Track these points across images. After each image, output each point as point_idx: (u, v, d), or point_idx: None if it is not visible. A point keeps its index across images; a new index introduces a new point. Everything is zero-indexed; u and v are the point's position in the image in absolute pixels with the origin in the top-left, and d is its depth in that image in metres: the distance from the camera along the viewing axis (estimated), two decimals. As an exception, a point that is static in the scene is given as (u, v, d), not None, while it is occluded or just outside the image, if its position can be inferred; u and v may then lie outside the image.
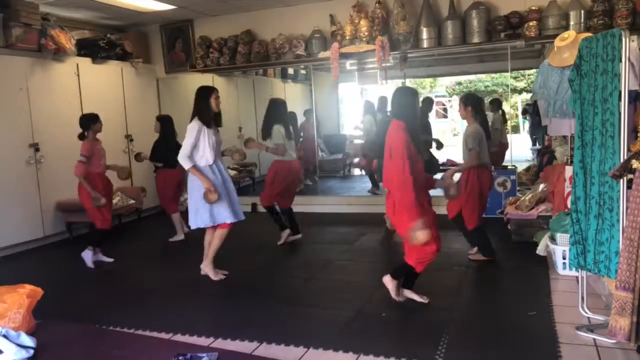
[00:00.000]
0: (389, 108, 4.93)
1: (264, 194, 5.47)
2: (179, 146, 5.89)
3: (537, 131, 9.27)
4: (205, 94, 4.33)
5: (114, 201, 6.05)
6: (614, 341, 2.85)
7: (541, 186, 5.43)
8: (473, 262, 4.58)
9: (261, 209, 7.14)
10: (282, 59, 7.00)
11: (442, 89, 13.79)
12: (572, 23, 5.61)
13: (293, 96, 9.08)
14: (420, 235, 3.29)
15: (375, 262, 4.92)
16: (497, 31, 5.93)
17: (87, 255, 5.11)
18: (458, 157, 4.69)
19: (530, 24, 5.76)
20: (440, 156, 7.10)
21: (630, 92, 2.87)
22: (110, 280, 4.73)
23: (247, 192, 8.48)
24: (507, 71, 6.85)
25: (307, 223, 6.17)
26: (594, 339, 2.97)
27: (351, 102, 10.00)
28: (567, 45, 3.57)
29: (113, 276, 4.86)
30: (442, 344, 3.01)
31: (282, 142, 5.22)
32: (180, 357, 2.78)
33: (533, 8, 5.79)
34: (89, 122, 5.02)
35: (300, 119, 8.51)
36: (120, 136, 7.10)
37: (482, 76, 11.85)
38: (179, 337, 3.31)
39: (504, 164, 6.84)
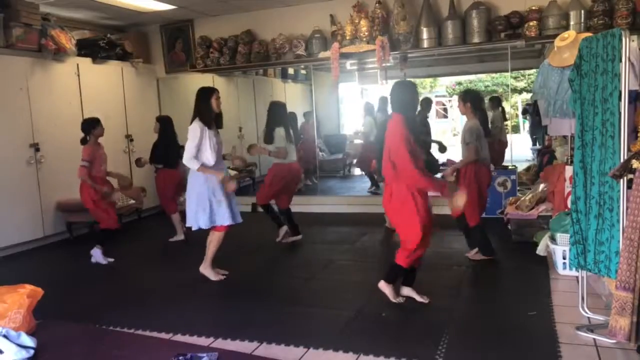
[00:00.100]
0: (389, 109, 4.94)
1: (260, 192, 5.49)
2: (178, 147, 5.95)
3: (537, 131, 9.27)
4: (206, 94, 4.32)
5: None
6: (614, 341, 2.85)
7: (541, 186, 5.43)
8: (473, 262, 4.58)
9: (261, 209, 7.17)
10: (282, 59, 7.00)
11: (442, 89, 13.79)
12: (572, 23, 5.61)
13: (293, 96, 9.08)
14: (460, 199, 3.47)
15: (375, 262, 4.92)
16: (497, 31, 5.93)
17: (97, 253, 5.11)
18: (458, 157, 4.70)
19: (531, 23, 5.76)
20: (440, 156, 7.10)
21: (630, 92, 2.87)
22: (111, 280, 4.73)
23: (247, 192, 8.47)
24: (507, 71, 6.85)
25: (307, 223, 6.16)
26: (594, 339, 2.97)
27: (351, 102, 10.00)
28: (567, 45, 3.57)
29: (113, 276, 4.86)
30: (442, 344, 3.01)
31: (283, 146, 5.22)
32: (180, 357, 2.78)
33: (533, 8, 5.79)
34: (90, 127, 5.03)
35: (300, 120, 8.52)
36: (120, 136, 7.11)
37: (483, 76, 11.85)
38: (179, 337, 3.31)
39: (504, 163, 6.85)
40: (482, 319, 3.46)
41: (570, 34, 3.64)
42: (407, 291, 3.73)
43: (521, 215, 5.11)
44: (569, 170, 4.23)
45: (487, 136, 4.76)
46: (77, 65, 6.51)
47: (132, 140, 7.27)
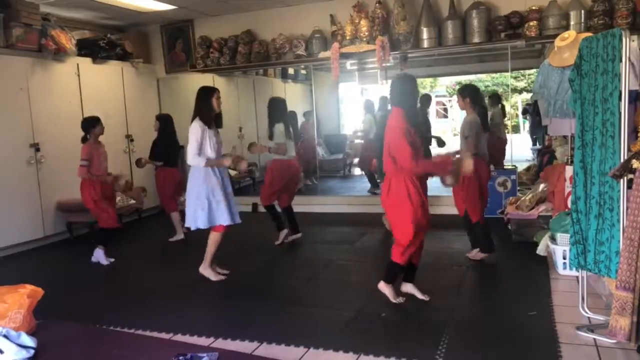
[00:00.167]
0: (389, 107, 4.95)
1: (262, 193, 5.48)
2: (178, 145, 5.96)
3: (538, 131, 9.28)
4: (206, 94, 4.32)
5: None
6: (614, 341, 2.85)
7: (541, 186, 5.43)
8: (473, 262, 4.58)
9: (262, 209, 7.17)
10: (282, 59, 7.00)
11: (443, 89, 13.81)
12: (572, 23, 5.61)
13: (293, 96, 9.08)
14: (467, 164, 3.50)
15: (375, 262, 4.92)
16: (497, 31, 5.93)
17: (99, 254, 5.12)
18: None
19: (531, 23, 5.76)
20: (439, 150, 7.09)
21: (630, 92, 2.87)
22: (111, 280, 4.74)
23: (248, 192, 8.48)
24: (507, 71, 6.86)
25: (307, 223, 6.17)
26: (594, 339, 2.97)
27: (351, 102, 10.00)
28: (567, 45, 3.57)
29: (114, 276, 4.86)
30: (442, 344, 3.01)
31: (283, 142, 5.23)
32: (180, 357, 2.78)
33: (533, 8, 5.79)
34: (90, 126, 5.04)
35: (300, 120, 8.51)
36: (120, 136, 7.11)
37: (483, 76, 11.87)
38: (179, 337, 3.31)
39: (504, 163, 6.84)
40: (482, 318, 3.46)
41: (571, 34, 3.64)
42: (408, 287, 3.73)
43: (521, 215, 5.11)
44: (569, 170, 4.23)
45: (487, 131, 4.76)
46: (77, 65, 6.51)
47: (132, 140, 7.27)
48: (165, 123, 5.83)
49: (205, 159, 4.19)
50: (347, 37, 6.36)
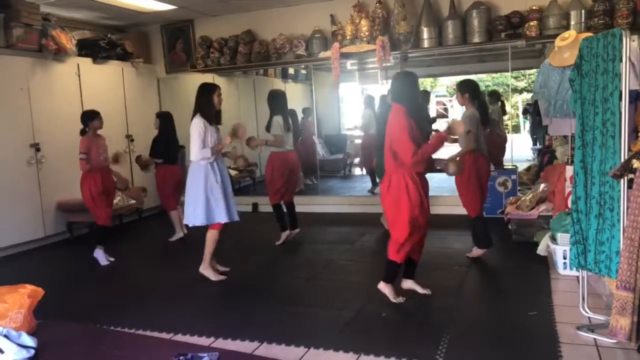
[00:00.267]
0: (389, 98, 4.96)
1: (269, 192, 5.49)
2: (178, 143, 5.95)
3: (538, 131, 9.28)
4: (208, 91, 4.33)
5: (115, 201, 6.04)
6: (614, 341, 2.85)
7: (542, 186, 5.43)
8: (473, 261, 4.58)
9: (262, 209, 7.19)
10: (282, 59, 7.00)
11: (443, 89, 13.81)
12: (572, 23, 5.61)
13: (294, 96, 9.07)
14: (458, 125, 3.56)
15: (375, 262, 4.92)
16: (497, 31, 5.93)
17: (100, 255, 5.13)
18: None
19: (531, 23, 5.76)
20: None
21: (630, 91, 2.87)
22: (111, 280, 4.74)
23: (248, 192, 8.48)
24: (507, 71, 6.86)
25: (307, 223, 6.17)
26: (595, 339, 2.97)
27: (352, 102, 10.00)
28: (567, 45, 3.57)
29: (114, 276, 4.86)
30: (443, 344, 3.01)
31: (279, 133, 5.23)
32: (181, 357, 2.78)
33: (534, 8, 5.78)
34: (88, 119, 5.05)
35: (299, 118, 8.50)
36: (121, 136, 7.11)
37: (483, 76, 11.86)
38: (179, 337, 3.31)
39: (504, 163, 6.84)
40: (482, 318, 3.46)
41: (571, 33, 3.64)
42: (409, 284, 3.73)
43: (522, 215, 5.11)
44: (569, 170, 4.23)
45: (487, 125, 4.76)
46: (78, 65, 6.52)
47: (132, 140, 7.28)
48: (165, 120, 5.83)
49: (210, 149, 4.21)
50: (348, 37, 6.36)
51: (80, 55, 6.54)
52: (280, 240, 5.51)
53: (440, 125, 7.40)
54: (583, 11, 5.59)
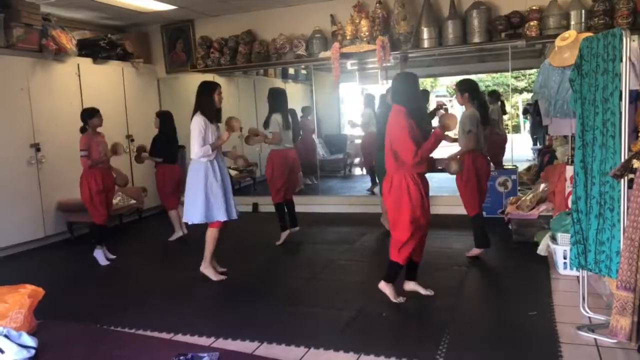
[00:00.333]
0: (389, 97, 4.97)
1: (271, 191, 5.49)
2: (178, 142, 5.95)
3: (538, 131, 9.28)
4: (208, 89, 4.33)
5: (115, 201, 6.06)
6: (615, 341, 2.85)
7: (542, 186, 5.43)
8: (472, 260, 4.58)
9: (262, 209, 7.19)
10: (282, 59, 7.00)
11: (443, 89, 13.80)
12: (572, 23, 5.61)
13: (294, 96, 9.05)
14: (451, 119, 3.52)
15: (375, 262, 4.92)
16: (497, 31, 5.93)
17: (99, 255, 5.13)
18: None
19: (531, 23, 5.76)
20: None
21: (630, 91, 2.87)
22: (112, 280, 4.74)
23: (248, 192, 8.48)
24: (507, 71, 6.85)
25: (307, 223, 6.17)
26: (595, 339, 2.97)
27: (352, 102, 10.00)
28: (567, 45, 3.57)
29: (114, 276, 4.86)
30: (443, 344, 3.01)
31: (277, 131, 5.23)
32: (181, 357, 2.78)
33: (534, 8, 5.79)
34: (86, 117, 5.06)
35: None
36: (121, 136, 7.10)
37: (483, 76, 11.85)
38: (179, 337, 3.31)
39: (504, 163, 6.85)
40: (482, 318, 3.46)
41: (571, 33, 3.64)
42: (411, 285, 3.74)
43: (522, 215, 5.11)
44: (569, 170, 4.23)
45: (487, 124, 4.76)
46: (78, 65, 6.52)
47: (132, 140, 7.27)
48: (165, 120, 5.83)
49: (209, 146, 4.22)
50: (348, 37, 6.36)
51: (80, 55, 6.54)
52: (280, 240, 5.51)
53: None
54: (583, 11, 5.59)
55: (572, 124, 3.74)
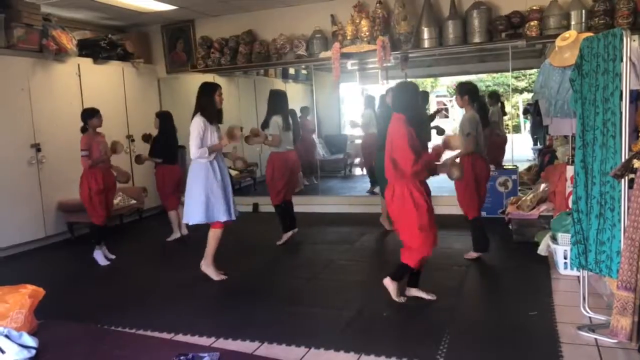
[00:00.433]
0: (388, 99, 4.98)
1: (270, 193, 5.48)
2: (177, 142, 5.96)
3: (538, 131, 9.28)
4: (209, 90, 4.33)
5: (115, 201, 6.06)
6: (615, 341, 2.85)
7: (542, 186, 5.43)
8: (472, 262, 4.58)
9: (262, 209, 7.19)
10: (283, 59, 7.01)
11: (443, 89, 13.79)
12: (573, 23, 5.61)
13: (294, 96, 9.06)
14: (453, 141, 3.59)
15: (376, 262, 4.93)
16: (498, 31, 5.93)
17: (98, 255, 5.14)
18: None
19: (532, 23, 5.76)
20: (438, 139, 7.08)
21: (631, 91, 2.87)
22: (112, 280, 4.74)
23: (249, 192, 8.48)
24: (508, 71, 6.85)
25: (307, 223, 6.17)
26: (596, 339, 2.97)
27: (352, 102, 10.00)
28: (568, 45, 3.57)
29: (114, 276, 4.86)
30: (443, 344, 3.01)
31: (277, 133, 5.23)
32: (181, 357, 2.78)
33: (534, 8, 5.79)
34: (86, 117, 5.06)
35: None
36: (121, 136, 7.09)
37: (483, 76, 11.85)
38: (180, 337, 3.31)
39: (505, 163, 6.85)
40: (483, 318, 3.46)
41: (571, 33, 3.64)
42: (414, 292, 3.74)
43: (522, 215, 5.11)
44: (570, 170, 4.23)
45: (487, 127, 4.77)
46: (78, 65, 6.52)
47: (133, 140, 7.28)
48: (165, 120, 5.84)
49: (207, 148, 4.22)
50: (348, 37, 6.36)
51: (80, 55, 6.55)
52: (281, 240, 5.51)
53: (439, 122, 7.39)
54: (583, 11, 5.59)
55: (573, 124, 3.73)
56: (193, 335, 3.31)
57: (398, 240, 3.71)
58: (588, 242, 3.05)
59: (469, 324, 3.36)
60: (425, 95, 7.93)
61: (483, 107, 5.13)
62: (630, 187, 2.72)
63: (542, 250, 4.43)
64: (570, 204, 3.68)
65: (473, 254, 4.62)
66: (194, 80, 7.28)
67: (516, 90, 12.02)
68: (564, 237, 4.00)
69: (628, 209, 2.74)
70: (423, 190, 3.52)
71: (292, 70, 9.03)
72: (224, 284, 4.36)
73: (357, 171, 10.01)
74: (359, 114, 8.12)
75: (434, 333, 3.17)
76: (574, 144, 3.88)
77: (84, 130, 5.07)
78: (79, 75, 6.53)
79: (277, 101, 5.38)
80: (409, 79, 6.28)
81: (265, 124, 5.35)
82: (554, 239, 4.20)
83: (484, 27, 5.92)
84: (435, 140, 6.98)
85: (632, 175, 2.70)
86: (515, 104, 12.20)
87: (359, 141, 9.12)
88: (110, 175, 5.21)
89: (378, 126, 5.75)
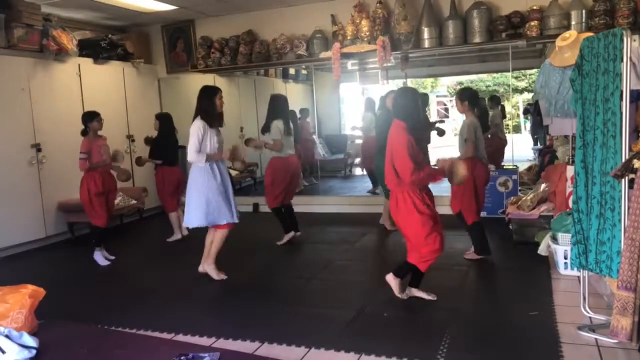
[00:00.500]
0: (388, 102, 4.97)
1: (268, 196, 5.47)
2: (177, 144, 5.96)
3: (539, 131, 9.28)
4: (210, 93, 4.33)
5: (116, 201, 6.05)
6: (615, 341, 2.85)
7: (542, 186, 5.43)
8: (473, 262, 4.57)
9: (263, 209, 7.18)
10: (283, 59, 7.01)
11: (444, 89, 13.79)
12: (573, 23, 5.61)
13: (294, 96, 9.08)
14: (460, 170, 3.50)
15: (376, 262, 4.93)
16: (498, 31, 5.92)
17: (98, 256, 5.14)
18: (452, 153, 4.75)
19: (532, 23, 5.76)
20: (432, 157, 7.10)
21: (631, 91, 2.87)
22: (112, 280, 4.74)
23: (249, 192, 8.48)
24: (508, 71, 6.85)
25: (307, 223, 6.17)
26: (596, 339, 2.97)
27: (353, 102, 10.00)
28: (568, 45, 3.57)
29: (115, 276, 4.87)
30: (444, 344, 3.01)
31: (279, 138, 5.22)
32: (182, 357, 2.78)
33: (534, 8, 5.78)
34: (86, 121, 5.06)
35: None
36: (121, 136, 7.12)
37: (484, 76, 11.85)
38: (180, 337, 3.31)
39: (505, 163, 6.85)
40: (483, 318, 3.46)
41: (572, 33, 3.63)
42: (415, 292, 3.74)
43: (522, 215, 5.11)
44: (570, 170, 4.23)
45: (486, 131, 4.78)
46: (79, 65, 6.52)
47: (133, 140, 7.28)
48: (165, 122, 5.84)
49: (205, 155, 4.21)
50: (348, 37, 6.36)
51: (81, 55, 6.55)
52: (282, 241, 5.50)
53: (442, 125, 7.38)
54: (584, 11, 5.59)
55: (573, 124, 3.73)
56: (193, 335, 3.31)
57: (398, 240, 3.72)
58: (588, 242, 3.05)
59: (469, 324, 3.37)
60: (425, 97, 7.93)
61: (484, 112, 5.14)
62: (631, 187, 2.72)
63: (542, 250, 4.43)
64: (570, 204, 3.68)
65: (473, 254, 4.62)
66: (194, 80, 7.29)
67: (516, 90, 12.02)
68: (564, 237, 4.01)
69: (628, 209, 2.74)
70: (424, 195, 3.53)
71: (292, 70, 9.03)
72: (224, 284, 4.36)
73: (358, 171, 10.01)
74: (360, 117, 8.13)
75: (435, 333, 3.18)
76: (574, 144, 3.88)
77: (84, 133, 5.07)
78: (80, 75, 6.53)
79: (278, 105, 5.35)
80: (409, 80, 6.28)
81: (266, 128, 5.33)
82: (554, 239, 4.20)
83: (484, 27, 5.92)
84: (436, 140, 7.00)
85: (632, 175, 2.70)
86: (516, 104, 12.20)
87: (359, 141, 9.13)
88: (111, 177, 5.21)
89: (378, 128, 5.74)
